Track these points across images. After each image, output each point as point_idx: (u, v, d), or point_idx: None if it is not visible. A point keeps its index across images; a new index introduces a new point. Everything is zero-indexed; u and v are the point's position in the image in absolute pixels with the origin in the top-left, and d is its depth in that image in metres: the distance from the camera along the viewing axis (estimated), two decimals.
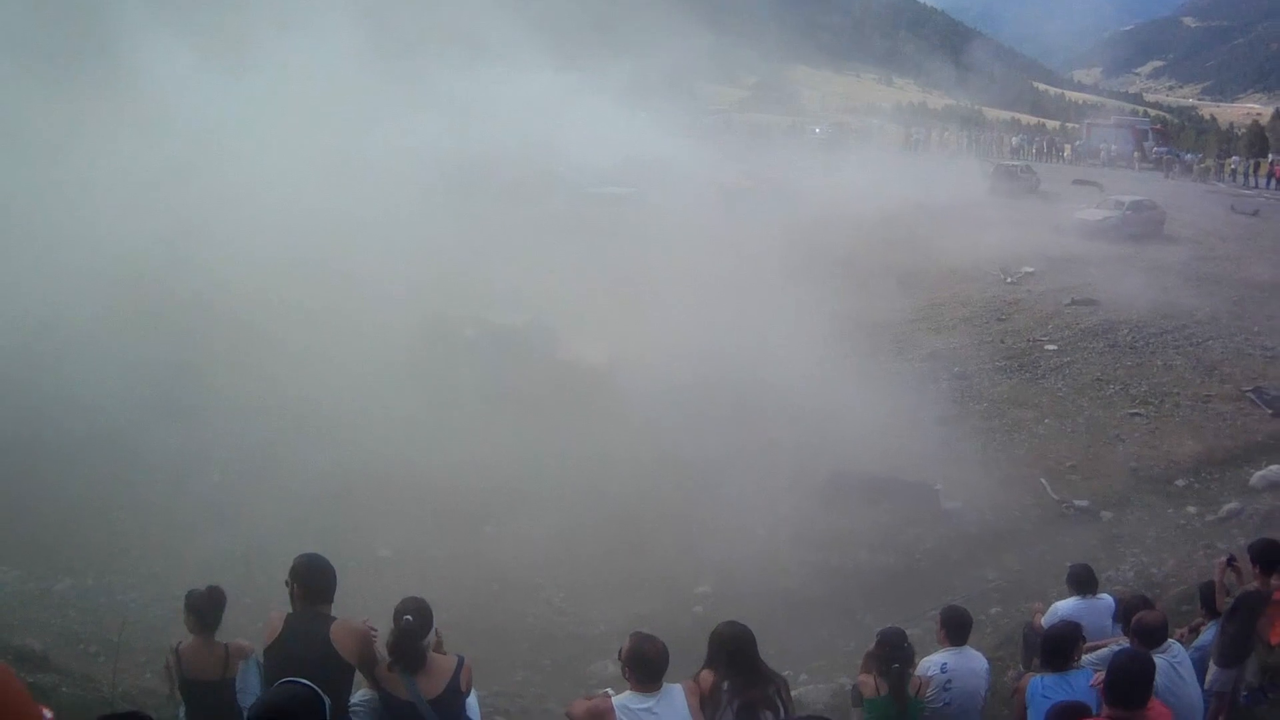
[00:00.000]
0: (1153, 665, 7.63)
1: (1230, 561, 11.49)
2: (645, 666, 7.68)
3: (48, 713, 2.24)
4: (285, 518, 18.53)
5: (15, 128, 30.82)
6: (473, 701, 8.00)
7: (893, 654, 9.76)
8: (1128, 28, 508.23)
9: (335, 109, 49.53)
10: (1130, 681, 7.12)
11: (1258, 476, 22.77)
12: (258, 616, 8.23)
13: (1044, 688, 8.89)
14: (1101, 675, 7.78)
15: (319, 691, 5.56)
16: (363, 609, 8.80)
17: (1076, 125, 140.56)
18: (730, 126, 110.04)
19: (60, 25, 37.67)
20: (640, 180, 57.33)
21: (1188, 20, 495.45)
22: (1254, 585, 10.83)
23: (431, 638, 7.92)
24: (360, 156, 48.68)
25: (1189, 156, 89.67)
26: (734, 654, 8.06)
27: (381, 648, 7.70)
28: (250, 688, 8.54)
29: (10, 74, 31.10)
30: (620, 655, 7.85)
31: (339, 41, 59.09)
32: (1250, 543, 11.98)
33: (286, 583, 7.80)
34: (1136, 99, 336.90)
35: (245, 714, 5.65)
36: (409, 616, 7.70)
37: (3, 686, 2.01)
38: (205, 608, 8.66)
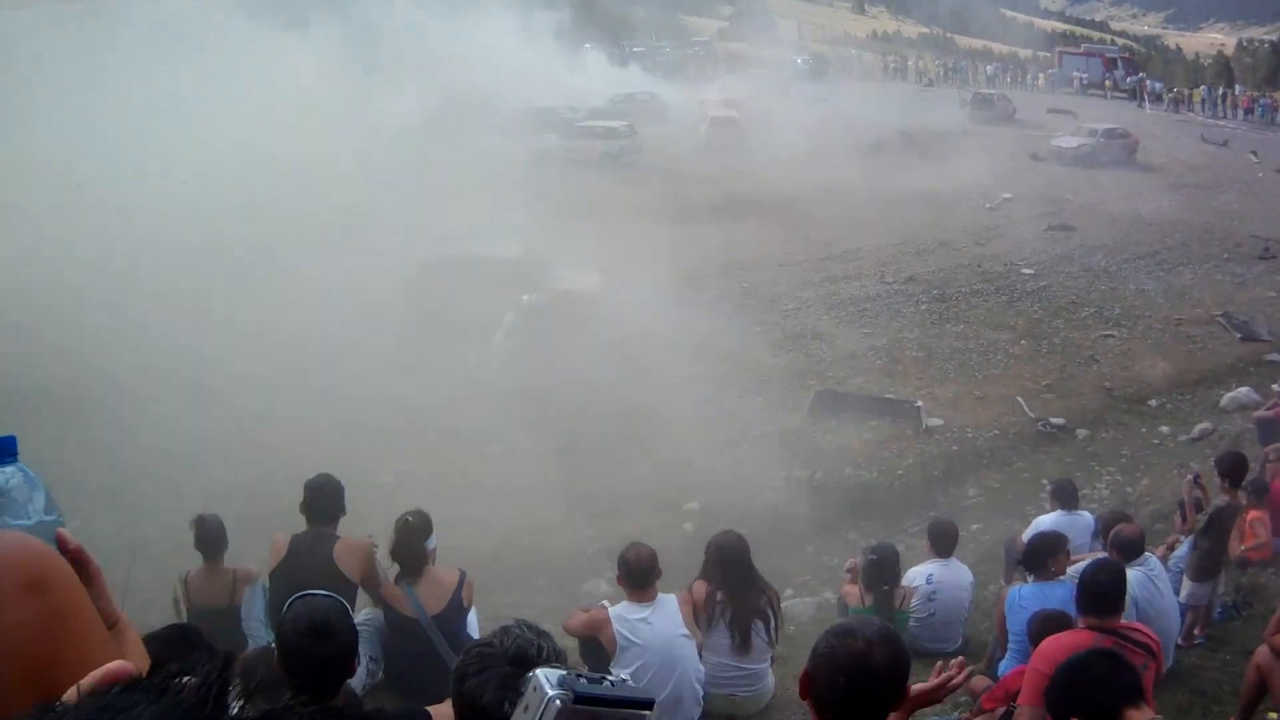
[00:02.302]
0: (1123, 574, 7.62)
1: (1195, 479, 11.53)
2: (631, 572, 7.72)
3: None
4: (288, 448, 18.51)
5: None
6: (473, 619, 8.01)
7: (884, 575, 9.79)
8: None
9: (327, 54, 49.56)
10: (1099, 589, 7.12)
11: (1228, 398, 22.86)
12: (261, 547, 8.20)
13: (1022, 597, 8.93)
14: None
15: (341, 600, 5.55)
16: (366, 532, 8.79)
17: (1048, 54, 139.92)
18: (712, 57, 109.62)
19: None
20: (630, 114, 57.03)
21: None
22: (1223, 500, 10.86)
23: (432, 544, 7.91)
24: (358, 98, 48.67)
25: (1158, 85, 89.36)
26: (729, 564, 8.11)
27: (385, 562, 7.71)
28: (254, 613, 8.54)
29: None
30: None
31: None
32: (1217, 458, 12.03)
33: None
34: (1103, 27, 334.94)
35: (276, 632, 5.57)
36: (409, 517, 7.72)
37: (69, 589, 1.96)
38: (212, 532, 8.66)
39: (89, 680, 1.48)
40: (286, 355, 22.21)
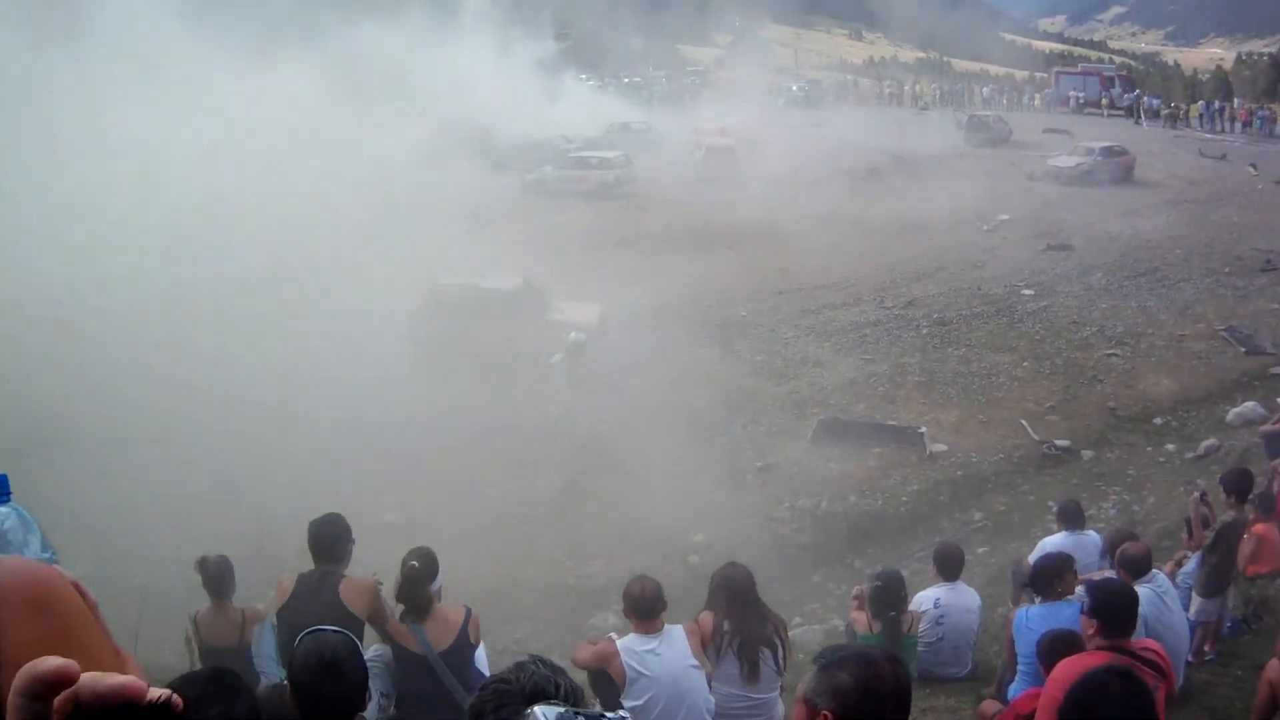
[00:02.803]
0: (1134, 592, 7.67)
1: (1202, 496, 11.59)
2: (637, 604, 7.78)
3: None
4: (294, 489, 18.58)
5: None
6: (482, 654, 8.06)
7: (890, 600, 9.84)
8: None
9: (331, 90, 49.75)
10: (1113, 608, 7.15)
11: (1234, 413, 22.86)
12: (270, 586, 8.27)
13: (1029, 619, 8.96)
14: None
15: (351, 635, 5.62)
16: (372, 571, 8.86)
17: (1045, 74, 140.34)
18: (708, 85, 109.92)
19: None
20: (625, 144, 57.27)
21: None
22: (1230, 515, 10.92)
23: (438, 584, 7.98)
24: (357, 131, 48.83)
25: (1155, 101, 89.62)
26: (734, 594, 8.15)
27: (391, 600, 7.77)
28: (265, 651, 8.62)
29: None
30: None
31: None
32: (1222, 474, 12.09)
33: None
34: (1101, 46, 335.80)
35: (287, 669, 5.63)
36: (414, 562, 7.78)
37: (73, 610, 2.00)
38: (218, 572, 8.74)
39: (104, 685, 1.53)
40: (289, 394, 22.30)
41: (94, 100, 35.70)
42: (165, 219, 30.14)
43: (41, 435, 20.43)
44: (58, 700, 1.49)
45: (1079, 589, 9.37)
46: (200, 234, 29.53)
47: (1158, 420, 23.36)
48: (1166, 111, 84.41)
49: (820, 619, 15.45)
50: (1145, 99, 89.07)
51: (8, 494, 8.16)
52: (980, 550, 17.72)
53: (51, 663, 1.52)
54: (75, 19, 37.68)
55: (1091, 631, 7.19)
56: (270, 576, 8.73)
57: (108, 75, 36.48)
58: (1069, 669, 6.67)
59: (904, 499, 19.80)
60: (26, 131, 31.83)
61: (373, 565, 8.79)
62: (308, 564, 7.91)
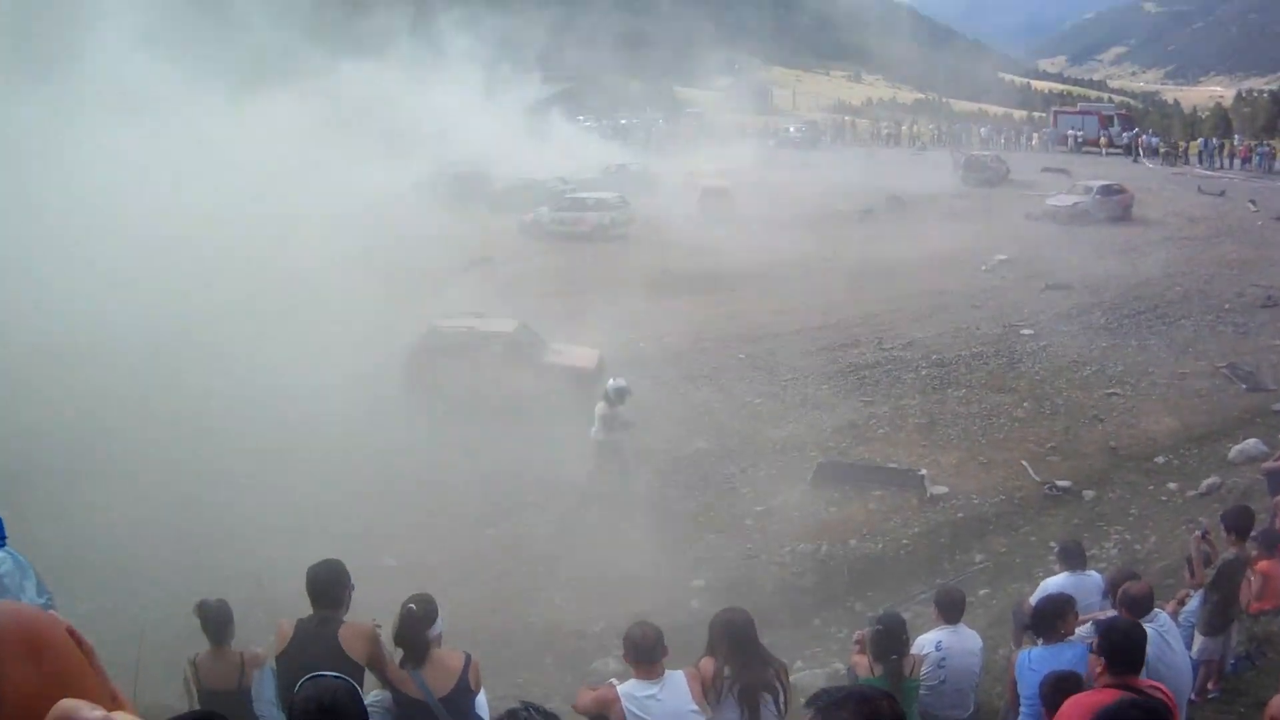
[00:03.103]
0: (1143, 630, 7.70)
1: (1204, 535, 11.62)
2: (638, 650, 7.80)
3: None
4: (292, 531, 18.61)
5: None
6: (482, 700, 8.09)
7: (891, 644, 9.85)
8: (1089, 15, 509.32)
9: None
10: (1122, 646, 7.19)
11: (1235, 450, 22.84)
12: (271, 629, 8.29)
13: (1032, 660, 9.00)
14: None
15: (351, 681, 5.64)
16: (369, 617, 8.88)
17: (1044, 114, 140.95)
18: (705, 128, 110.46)
19: None
20: (622, 185, 57.56)
21: (1148, 5, 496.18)
22: (1231, 553, 10.94)
23: (438, 629, 7.99)
24: (351, 171, 48.98)
25: (1154, 139, 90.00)
26: (735, 639, 8.15)
27: (390, 644, 7.80)
28: (264, 695, 8.65)
29: None
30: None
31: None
32: (1223, 512, 12.11)
33: None
34: (1101, 86, 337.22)
35: (287, 715, 5.66)
36: (412, 606, 7.81)
37: (68, 654, 2.03)
38: (216, 617, 8.77)
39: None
40: (287, 435, 22.33)
41: (71, 134, 35.76)
42: (158, 256, 30.20)
43: (38, 470, 20.50)
44: None
45: (1085, 628, 9.41)
46: (195, 272, 29.57)
47: (1159, 459, 23.33)
48: (1165, 149, 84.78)
49: (822, 662, 15.43)
50: (1144, 137, 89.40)
51: (3, 538, 8.20)
52: (982, 592, 17.72)
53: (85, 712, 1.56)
54: (50, 55, 37.66)
55: (1100, 670, 7.24)
56: (269, 620, 8.76)
57: (85, 111, 36.52)
58: (1078, 706, 6.73)
59: (905, 542, 19.78)
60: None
61: (372, 609, 8.82)
62: (306, 608, 7.95)
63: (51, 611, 2.47)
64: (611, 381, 21.76)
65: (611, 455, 21.20)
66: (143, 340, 26.12)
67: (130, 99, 37.72)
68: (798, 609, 17.61)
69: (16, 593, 7.87)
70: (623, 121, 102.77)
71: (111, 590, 17.24)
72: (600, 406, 21.33)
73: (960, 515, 20.72)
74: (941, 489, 21.64)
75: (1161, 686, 7.47)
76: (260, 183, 38.02)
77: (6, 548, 8.07)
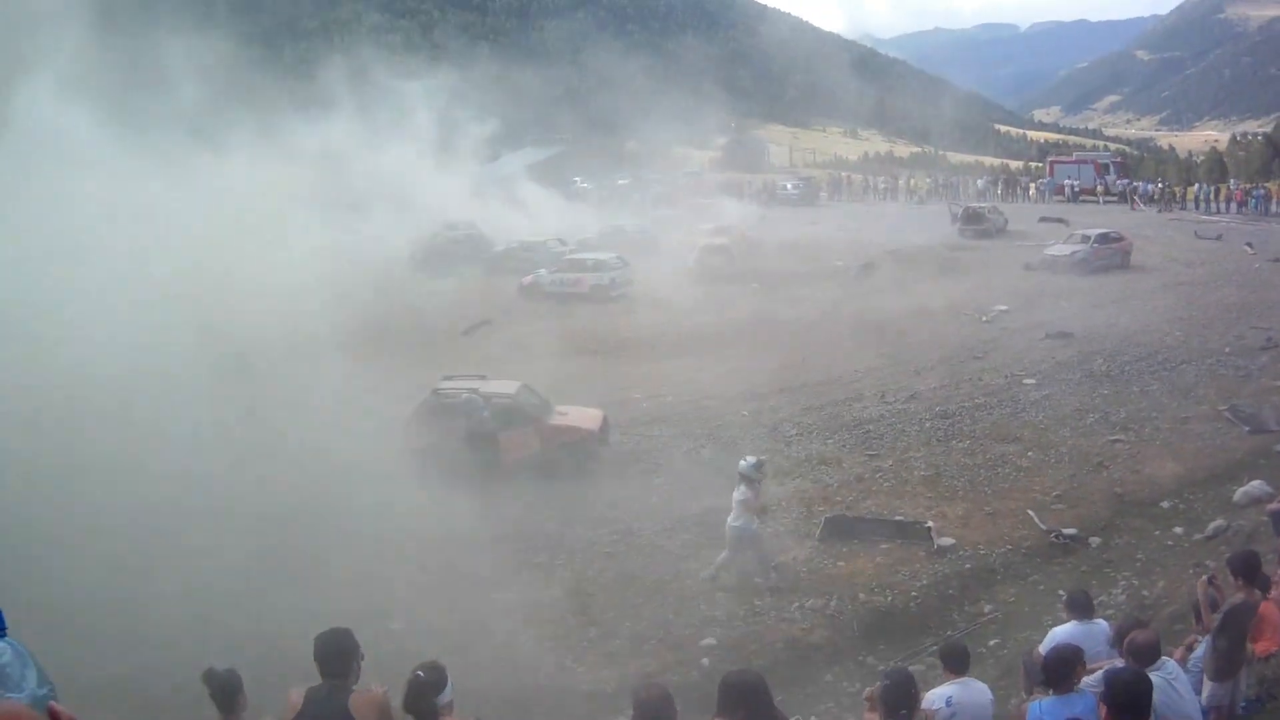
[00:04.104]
0: (1148, 680, 7.71)
1: (1210, 580, 11.60)
2: (647, 713, 7.76)
3: None
4: (301, 595, 18.60)
5: None
6: None
7: (900, 700, 9.83)
8: (1083, 65, 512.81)
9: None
10: (1125, 697, 7.20)
11: (1240, 493, 22.79)
12: (279, 697, 8.29)
13: (1043, 710, 8.99)
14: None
15: None
16: (378, 681, 8.88)
17: (1040, 164, 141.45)
18: (702, 187, 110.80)
19: None
20: (620, 245, 57.78)
21: (1140, 53, 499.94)
22: (1239, 597, 10.92)
23: (447, 696, 7.98)
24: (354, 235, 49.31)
25: (1149, 186, 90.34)
26: (746, 700, 8.11)
27: (399, 710, 7.79)
28: None
29: None
30: None
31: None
32: (1229, 556, 12.10)
33: None
34: (1096, 134, 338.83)
35: None
36: (420, 672, 7.80)
37: None
38: (223, 688, 8.73)
39: None
40: (290, 500, 22.37)
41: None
42: (145, 309, 30.38)
43: (42, 537, 20.51)
44: None
45: (1093, 678, 9.40)
46: (186, 336, 29.71)
47: (1165, 504, 23.27)
48: (1160, 193, 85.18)
49: (835, 718, 15.40)
50: (1139, 185, 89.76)
51: (4, 629, 8.23)
52: (992, 642, 17.69)
53: None
54: None
55: (1104, 718, 7.26)
56: (279, 686, 8.74)
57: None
58: None
59: (914, 594, 19.74)
60: None
61: (379, 673, 8.82)
62: (315, 676, 7.95)
63: (51, 703, 2.50)
64: (745, 461, 20.64)
65: (751, 544, 20.33)
66: (135, 396, 26.22)
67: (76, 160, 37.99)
68: (808, 665, 17.57)
69: (18, 681, 7.91)
70: (620, 182, 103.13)
71: (115, 658, 17.21)
72: (741, 491, 20.18)
73: (968, 566, 20.68)
74: (949, 540, 21.60)
75: None
76: (253, 247, 38.21)
77: (7, 638, 8.11)
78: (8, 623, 8.48)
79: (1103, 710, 7.46)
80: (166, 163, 41.75)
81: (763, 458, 21.59)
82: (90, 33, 39.93)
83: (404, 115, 73.72)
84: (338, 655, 7.83)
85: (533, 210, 77.40)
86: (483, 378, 28.11)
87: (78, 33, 38.93)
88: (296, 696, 7.77)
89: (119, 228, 34.56)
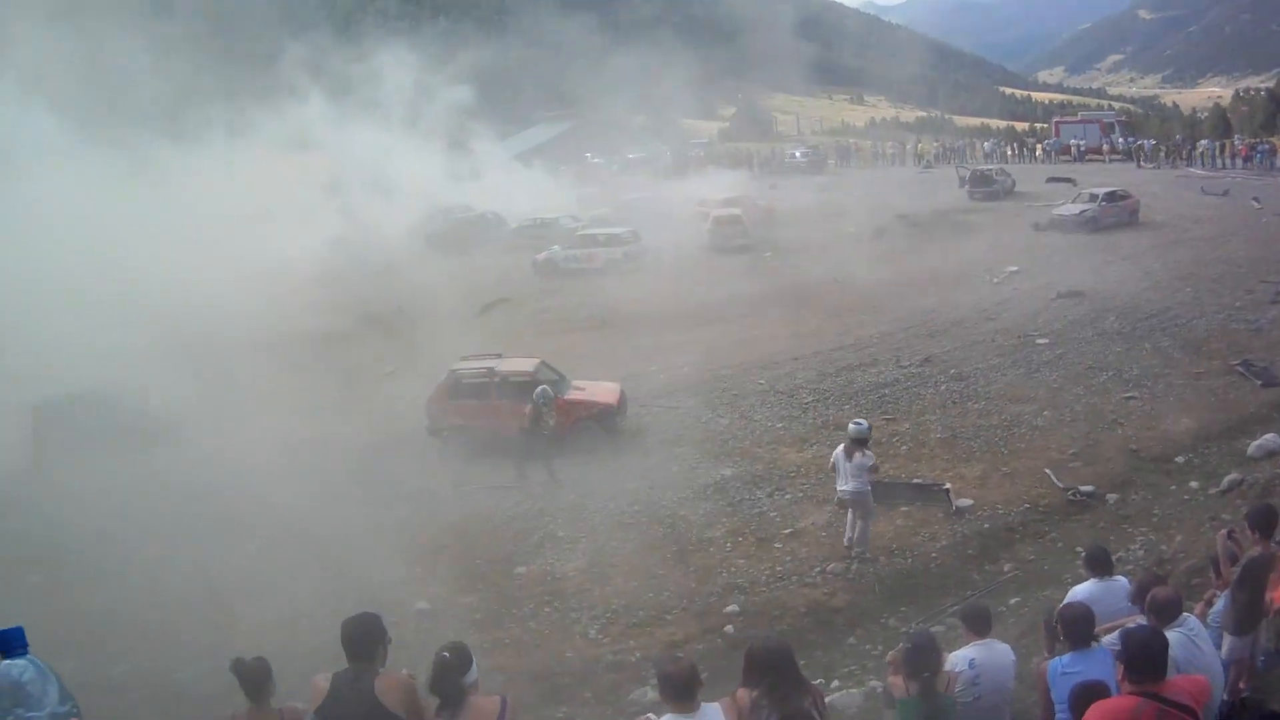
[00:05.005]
0: (1163, 638, 7.65)
1: (1230, 533, 11.51)
2: (672, 685, 7.70)
3: None
4: (324, 579, 18.61)
5: None
6: None
7: (922, 662, 9.77)
8: (1085, 26, 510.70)
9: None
10: (1144, 654, 7.16)
11: (1254, 446, 22.67)
12: (307, 679, 8.25)
13: (1063, 665, 8.98)
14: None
15: None
16: (406, 662, 8.84)
17: (1046, 125, 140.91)
18: (713, 157, 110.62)
19: None
20: (632, 219, 57.63)
21: (1142, 13, 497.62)
22: (1257, 551, 10.83)
23: (473, 676, 7.93)
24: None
25: (1154, 143, 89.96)
26: (770, 669, 8.05)
27: (425, 692, 7.74)
28: None
29: None
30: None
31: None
32: (1247, 511, 12.00)
33: None
34: (1100, 93, 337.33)
35: None
36: (446, 654, 7.75)
37: None
38: (252, 677, 8.69)
39: None
40: (314, 485, 22.42)
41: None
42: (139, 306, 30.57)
43: (73, 535, 20.62)
44: None
45: (1112, 636, 9.33)
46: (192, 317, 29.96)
47: (1179, 459, 23.16)
48: (1165, 150, 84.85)
49: (858, 681, 15.33)
50: (1144, 143, 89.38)
51: (25, 646, 8.25)
52: (1012, 600, 17.61)
53: None
54: None
55: (1121, 676, 7.21)
56: (307, 669, 8.70)
57: None
58: (1099, 711, 6.75)
59: (933, 555, 19.65)
60: None
61: (408, 653, 8.77)
62: (342, 658, 7.91)
63: (73, 719, 2.48)
64: (858, 425, 20.06)
65: (864, 508, 19.86)
66: (165, 379, 26.37)
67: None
68: (831, 629, 17.52)
69: (39, 699, 7.95)
70: (631, 156, 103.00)
71: (145, 648, 17.25)
72: (866, 455, 19.63)
73: (987, 526, 20.59)
74: (967, 501, 21.53)
75: (1186, 686, 7.41)
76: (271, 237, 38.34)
77: (29, 656, 8.13)
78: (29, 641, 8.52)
79: (1119, 669, 7.42)
80: (178, 155, 41.98)
81: (868, 425, 20.69)
82: (53, 27, 40.02)
83: (410, 98, 73.84)
84: (364, 640, 7.79)
85: (545, 187, 77.37)
86: (500, 356, 28.10)
87: (37, 28, 39.00)
88: (322, 681, 7.73)
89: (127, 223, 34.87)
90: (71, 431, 25.24)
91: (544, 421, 24.69)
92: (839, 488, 19.71)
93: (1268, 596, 10.86)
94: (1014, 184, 70.21)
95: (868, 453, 19.66)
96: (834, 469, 19.73)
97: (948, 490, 21.85)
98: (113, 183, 40.84)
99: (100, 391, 26.43)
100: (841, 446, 19.58)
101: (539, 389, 25.16)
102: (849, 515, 19.94)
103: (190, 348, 30.25)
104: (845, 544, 19.86)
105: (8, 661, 7.98)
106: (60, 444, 25.13)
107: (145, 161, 44.46)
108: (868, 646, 16.88)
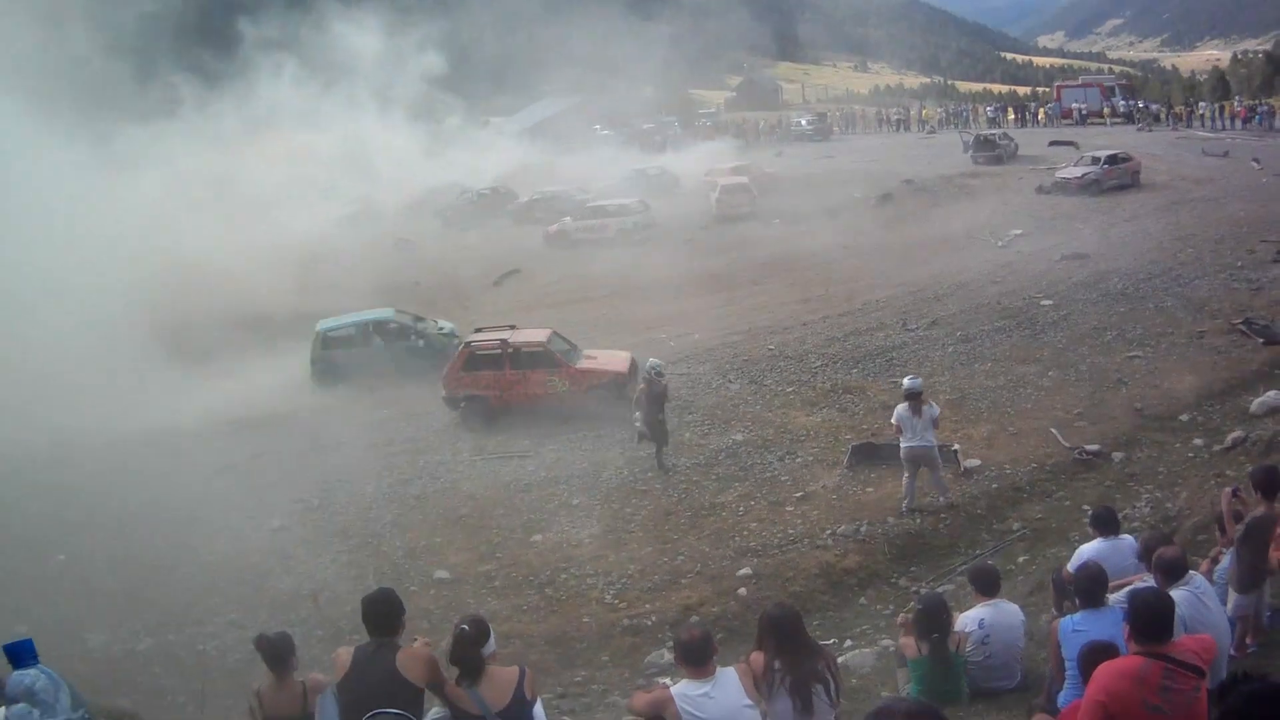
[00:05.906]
0: (1169, 600, 7.62)
1: (1235, 492, 11.47)
2: (688, 652, 7.71)
3: None
4: (346, 552, 18.67)
5: None
6: (539, 710, 8.05)
7: (933, 624, 9.78)
8: None
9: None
10: (1150, 615, 7.13)
11: (1257, 403, 22.62)
12: (330, 650, 8.26)
13: (1075, 624, 8.97)
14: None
15: (411, 717, 5.62)
16: (426, 630, 8.84)
17: (1047, 89, 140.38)
18: (719, 126, 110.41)
19: None
20: (642, 189, 57.63)
21: None
22: (1260, 511, 10.79)
23: (491, 647, 7.93)
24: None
25: (1155, 106, 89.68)
26: (782, 634, 8.06)
27: (444, 663, 7.75)
28: (328, 718, 8.60)
29: None
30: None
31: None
32: (1251, 470, 11.96)
33: None
34: (1100, 57, 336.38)
35: None
36: (465, 626, 7.75)
37: None
38: (275, 650, 8.73)
39: None
40: (331, 459, 22.50)
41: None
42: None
43: (96, 518, 20.71)
44: None
45: (1121, 594, 9.31)
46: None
47: (1184, 417, 23.09)
48: (1167, 112, 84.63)
49: (870, 640, 15.34)
50: (1144, 105, 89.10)
51: (35, 656, 8.31)
52: (1021, 559, 17.62)
53: None
54: None
55: (1127, 636, 7.20)
56: (329, 638, 8.73)
57: None
58: (1109, 672, 6.74)
59: (942, 515, 19.65)
60: None
61: (429, 620, 8.78)
62: (363, 631, 7.94)
63: None
64: (913, 381, 19.69)
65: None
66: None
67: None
68: (843, 589, 17.55)
69: (51, 705, 8.00)
70: (644, 127, 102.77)
71: (172, 621, 17.33)
72: (931, 408, 19.41)
73: (995, 486, 20.57)
74: (975, 462, 21.50)
75: (1194, 647, 7.37)
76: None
77: (40, 665, 8.20)
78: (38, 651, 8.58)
79: (1126, 629, 7.40)
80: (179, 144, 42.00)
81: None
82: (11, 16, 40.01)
83: (412, 75, 73.89)
84: (385, 614, 7.81)
85: (554, 160, 77.32)
86: (513, 327, 28.13)
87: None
88: (345, 654, 7.74)
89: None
90: None
91: (666, 398, 23.52)
92: (906, 444, 19.26)
93: (1272, 556, 10.83)
94: (1017, 148, 69.90)
95: (932, 404, 19.53)
96: (898, 428, 19.30)
97: (956, 451, 21.81)
98: (111, 168, 41.06)
99: None
100: (904, 404, 19.18)
101: (651, 362, 24.02)
102: (905, 477, 19.75)
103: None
104: (905, 509, 19.70)
105: (19, 671, 8.04)
106: None
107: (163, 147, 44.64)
108: (879, 607, 16.90)
